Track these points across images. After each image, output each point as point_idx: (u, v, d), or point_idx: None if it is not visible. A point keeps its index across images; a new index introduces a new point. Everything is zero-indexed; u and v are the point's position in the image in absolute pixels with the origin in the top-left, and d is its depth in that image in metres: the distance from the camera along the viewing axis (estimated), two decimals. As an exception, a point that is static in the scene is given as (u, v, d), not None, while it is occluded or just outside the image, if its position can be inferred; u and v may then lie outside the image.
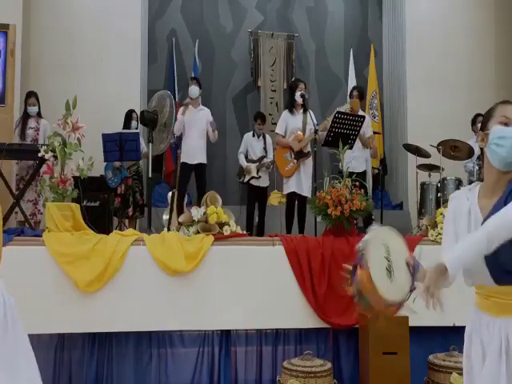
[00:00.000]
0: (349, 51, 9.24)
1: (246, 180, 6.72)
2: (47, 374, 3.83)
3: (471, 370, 1.99)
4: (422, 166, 6.60)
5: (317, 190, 4.76)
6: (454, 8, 8.51)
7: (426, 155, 6.54)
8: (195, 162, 6.20)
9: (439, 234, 4.27)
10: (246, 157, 6.83)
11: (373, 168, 6.65)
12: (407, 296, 1.88)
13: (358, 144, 5.81)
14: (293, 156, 5.84)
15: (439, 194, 6.20)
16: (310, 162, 5.84)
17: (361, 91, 6.42)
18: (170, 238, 4.09)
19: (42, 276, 3.84)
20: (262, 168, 6.71)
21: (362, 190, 4.37)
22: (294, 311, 4.09)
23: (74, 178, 4.37)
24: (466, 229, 1.99)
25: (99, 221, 5.21)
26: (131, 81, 7.70)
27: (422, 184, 6.47)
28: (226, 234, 4.13)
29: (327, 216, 4.26)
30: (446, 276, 1.84)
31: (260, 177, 6.67)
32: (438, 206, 5.95)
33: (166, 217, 6.43)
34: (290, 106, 6.01)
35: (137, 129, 6.81)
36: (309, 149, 5.86)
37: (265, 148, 6.84)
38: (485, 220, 1.87)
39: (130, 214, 6.61)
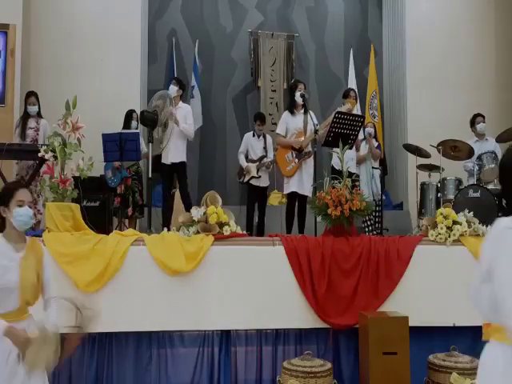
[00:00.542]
0: (349, 51, 9.24)
1: (246, 180, 6.71)
2: (47, 373, 3.83)
3: None
4: (421, 166, 6.60)
5: (317, 190, 4.76)
6: (453, 8, 8.51)
7: (426, 155, 6.54)
8: (170, 161, 6.07)
9: (439, 234, 4.28)
10: (247, 157, 6.82)
11: (373, 168, 6.64)
12: None
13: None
14: (294, 156, 5.84)
15: (439, 194, 6.20)
16: (311, 161, 5.84)
17: (356, 94, 6.52)
18: (169, 238, 4.09)
19: (42, 276, 3.83)
20: (262, 168, 6.71)
21: (362, 191, 4.37)
22: (293, 311, 4.09)
23: (74, 178, 4.37)
24: None
25: (99, 221, 5.21)
26: (131, 81, 7.70)
27: (422, 184, 6.46)
28: (225, 234, 4.13)
29: (327, 216, 4.26)
30: None
31: (260, 176, 6.67)
32: (437, 206, 5.95)
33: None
34: (291, 106, 6.01)
35: (137, 129, 6.80)
36: (310, 148, 5.86)
37: (265, 148, 6.84)
38: None
39: (130, 213, 6.61)
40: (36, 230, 4.80)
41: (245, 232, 4.44)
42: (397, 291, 4.16)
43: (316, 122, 5.75)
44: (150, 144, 5.54)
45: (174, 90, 6.14)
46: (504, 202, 1.94)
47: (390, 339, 3.74)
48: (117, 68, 7.59)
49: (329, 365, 3.81)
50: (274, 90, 9.22)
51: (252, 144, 6.86)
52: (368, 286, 4.14)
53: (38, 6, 7.52)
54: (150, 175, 5.54)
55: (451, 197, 6.01)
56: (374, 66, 9.01)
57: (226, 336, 4.11)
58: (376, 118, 8.64)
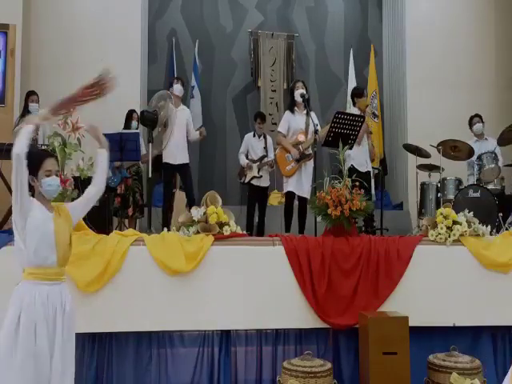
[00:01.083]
0: (349, 51, 9.24)
1: (247, 180, 6.71)
2: (47, 374, 3.83)
3: None
4: (421, 166, 6.60)
5: (317, 190, 4.76)
6: (454, 8, 8.51)
7: (426, 155, 6.54)
8: (177, 162, 6.12)
9: (439, 234, 4.27)
10: (247, 157, 6.82)
11: (373, 168, 6.64)
12: None
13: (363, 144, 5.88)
14: (293, 157, 5.83)
15: (439, 194, 6.20)
16: (311, 163, 5.84)
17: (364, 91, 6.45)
18: (169, 238, 4.09)
19: (42, 276, 3.83)
20: (263, 167, 6.71)
21: (362, 190, 4.36)
22: (293, 311, 4.08)
23: (74, 178, 4.37)
24: None
25: (99, 221, 5.20)
26: (131, 81, 7.69)
27: (422, 184, 6.47)
28: (226, 234, 4.13)
29: (327, 216, 4.25)
30: None
31: (261, 176, 6.67)
32: (437, 206, 5.95)
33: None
34: (291, 105, 6.01)
35: (137, 129, 6.80)
36: (310, 150, 5.85)
37: (265, 148, 6.84)
38: None
39: (130, 214, 6.61)
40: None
41: (245, 232, 4.44)
42: (397, 291, 4.15)
43: (317, 122, 5.75)
44: (150, 144, 5.54)
45: (179, 89, 6.19)
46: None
47: (390, 339, 3.73)
48: (117, 68, 7.56)
49: (329, 365, 3.81)
50: (274, 90, 9.22)
51: (252, 144, 6.86)
52: (368, 286, 4.14)
53: (38, 6, 7.52)
54: (149, 175, 5.55)
55: (451, 197, 6.02)
56: (374, 66, 9.01)
57: (225, 336, 4.10)
58: (376, 118, 8.64)
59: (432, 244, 4.28)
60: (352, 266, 4.16)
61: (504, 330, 4.26)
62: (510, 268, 4.17)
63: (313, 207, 4.43)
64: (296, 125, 5.90)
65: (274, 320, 4.08)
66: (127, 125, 6.84)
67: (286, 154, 5.89)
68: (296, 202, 6.03)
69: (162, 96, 5.84)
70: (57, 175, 2.99)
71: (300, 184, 5.83)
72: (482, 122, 6.84)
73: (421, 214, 6.39)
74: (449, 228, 4.28)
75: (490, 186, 6.04)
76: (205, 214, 4.17)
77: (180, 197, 6.53)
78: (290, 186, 5.86)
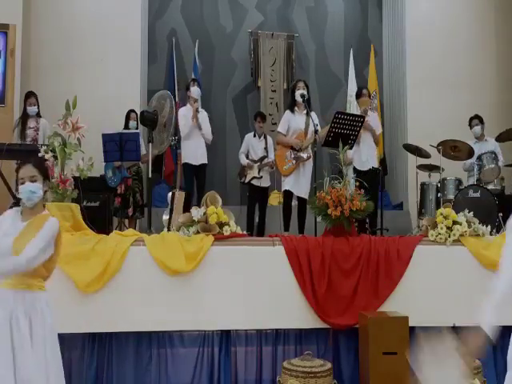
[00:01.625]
0: (349, 51, 9.24)
1: (247, 180, 6.71)
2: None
3: None
4: (421, 166, 6.61)
5: (317, 190, 4.76)
6: (454, 8, 8.51)
7: (426, 155, 6.54)
8: (199, 162, 6.32)
9: (439, 234, 4.27)
10: (247, 157, 6.82)
11: (370, 169, 6.64)
12: None
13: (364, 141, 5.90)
14: (292, 156, 5.83)
15: (439, 194, 6.20)
16: (310, 164, 5.84)
17: (368, 91, 6.47)
18: (169, 238, 4.09)
19: (42, 276, 3.83)
20: (264, 168, 6.71)
21: (362, 190, 4.37)
22: (293, 311, 4.09)
23: (74, 178, 4.37)
24: None
25: (99, 221, 5.20)
26: (131, 81, 7.70)
27: (422, 184, 6.47)
28: (226, 234, 4.13)
29: (327, 216, 4.26)
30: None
31: (261, 177, 6.67)
32: (437, 206, 5.95)
33: (165, 217, 6.41)
34: (291, 105, 6.01)
35: (137, 129, 6.81)
36: (309, 152, 5.85)
37: (266, 148, 6.84)
38: None
39: (130, 214, 6.61)
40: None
41: (245, 232, 4.44)
42: (397, 291, 4.15)
43: (317, 122, 5.75)
44: (150, 144, 5.54)
45: (197, 91, 6.40)
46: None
47: (390, 339, 3.73)
48: (117, 68, 7.59)
49: (329, 365, 3.81)
50: (274, 90, 9.22)
51: (253, 144, 6.86)
52: (368, 286, 4.14)
53: (38, 6, 7.52)
54: (149, 175, 5.55)
55: (451, 197, 6.02)
56: (374, 66, 9.02)
57: (225, 336, 4.10)
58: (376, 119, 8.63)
59: (432, 244, 4.28)
60: (352, 266, 4.16)
61: (504, 330, 4.25)
62: (509, 268, 4.16)
63: (313, 207, 4.44)
64: (296, 125, 5.90)
65: (274, 320, 4.09)
66: (126, 125, 6.85)
67: (286, 153, 5.89)
68: (295, 202, 6.03)
69: (162, 96, 5.84)
70: (34, 181, 2.88)
71: (298, 184, 5.82)
72: (482, 123, 6.84)
73: (421, 214, 6.40)
74: (449, 228, 4.28)
75: (490, 186, 6.05)
76: (205, 214, 4.17)
77: (179, 197, 6.52)
78: (287, 184, 5.86)
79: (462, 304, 4.09)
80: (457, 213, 4.38)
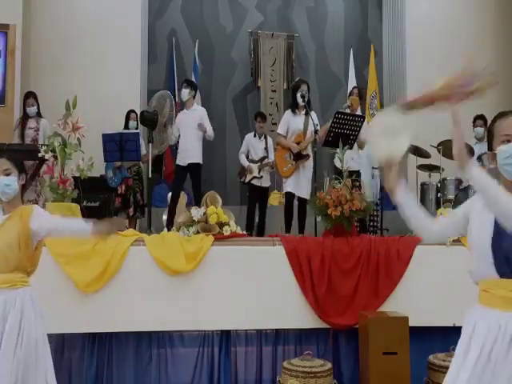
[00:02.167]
0: (349, 51, 9.24)
1: (247, 180, 6.71)
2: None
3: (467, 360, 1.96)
4: (422, 167, 6.60)
5: (317, 190, 4.76)
6: (454, 8, 8.51)
7: (426, 155, 6.54)
8: (188, 162, 6.05)
9: (439, 234, 4.27)
10: (247, 157, 6.82)
11: (373, 168, 6.64)
12: None
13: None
14: (292, 157, 5.83)
15: (439, 195, 6.20)
16: (310, 163, 5.83)
17: (360, 91, 6.52)
18: (170, 238, 4.09)
19: (42, 276, 3.83)
20: (264, 168, 6.70)
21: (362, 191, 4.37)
22: (294, 311, 4.09)
23: (74, 178, 4.37)
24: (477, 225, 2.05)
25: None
26: (131, 81, 7.69)
27: (422, 184, 6.46)
28: (226, 234, 4.13)
29: (327, 216, 4.26)
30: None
31: (262, 177, 6.67)
32: (438, 206, 5.95)
33: (165, 217, 6.43)
34: (292, 106, 6.01)
35: (137, 129, 6.81)
36: (309, 151, 5.85)
37: (266, 148, 6.83)
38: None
39: (131, 214, 6.61)
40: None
41: (245, 232, 4.44)
42: (397, 291, 4.16)
43: (317, 122, 5.75)
44: (150, 144, 5.54)
45: (185, 93, 6.12)
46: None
47: (390, 339, 3.73)
48: (117, 68, 7.59)
49: (329, 365, 3.81)
50: (274, 90, 9.22)
51: (253, 144, 6.85)
52: (368, 286, 4.14)
53: (38, 6, 7.51)
54: (149, 175, 5.54)
55: (451, 197, 6.01)
56: (374, 66, 9.01)
57: (226, 336, 4.11)
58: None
59: (432, 244, 4.27)
60: (352, 266, 4.16)
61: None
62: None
63: (313, 207, 4.44)
64: (295, 125, 5.90)
65: (274, 320, 4.09)
66: (126, 125, 6.85)
67: (285, 154, 5.89)
68: (296, 203, 6.03)
69: (162, 96, 5.84)
70: (8, 174, 2.77)
71: (298, 185, 5.82)
72: (486, 125, 6.83)
73: (421, 214, 6.38)
74: (449, 228, 4.27)
75: (490, 186, 6.03)
76: (205, 214, 4.17)
77: (180, 197, 6.52)
78: (288, 186, 5.86)
79: (462, 304, 4.08)
80: (457, 213, 4.37)
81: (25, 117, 6.28)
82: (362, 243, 4.23)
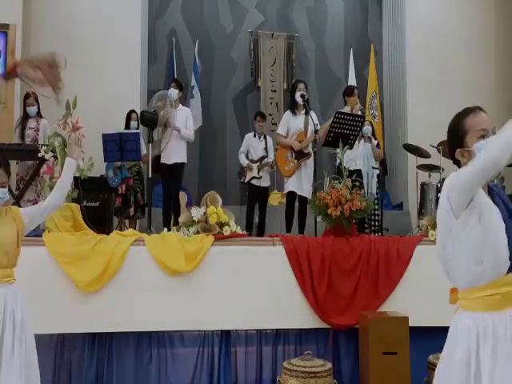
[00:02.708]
0: (349, 51, 9.24)
1: (246, 180, 6.70)
2: (47, 373, 3.84)
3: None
4: (422, 167, 6.61)
5: (317, 190, 4.76)
6: (454, 8, 8.51)
7: (426, 155, 6.54)
8: (171, 161, 6.03)
9: (439, 234, 4.27)
10: (247, 157, 6.82)
11: (373, 168, 6.64)
12: None
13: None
14: (293, 156, 5.84)
15: (439, 195, 6.18)
16: (311, 162, 5.83)
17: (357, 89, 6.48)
18: (170, 238, 4.09)
19: (43, 276, 3.84)
20: (264, 168, 6.70)
21: (362, 191, 4.37)
22: (294, 311, 4.09)
23: (74, 178, 4.36)
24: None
25: (99, 221, 5.20)
26: (131, 81, 7.69)
27: (422, 184, 6.47)
28: (226, 234, 4.13)
29: (327, 216, 4.26)
30: None
31: (261, 177, 6.66)
32: (437, 206, 5.93)
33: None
34: (292, 106, 6.01)
35: (137, 129, 6.80)
36: (310, 150, 5.86)
37: (266, 148, 6.83)
38: None
39: (132, 214, 6.61)
40: (36, 230, 4.80)
41: (245, 232, 4.44)
42: (397, 291, 4.16)
43: (316, 122, 5.75)
44: (150, 144, 5.54)
45: (175, 93, 6.10)
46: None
47: (390, 339, 3.73)
48: (117, 68, 7.59)
49: (329, 365, 3.81)
50: (274, 90, 9.22)
51: (253, 144, 6.85)
52: (368, 286, 4.14)
53: (38, 6, 7.52)
54: (149, 175, 5.54)
55: (451, 197, 6.00)
56: (374, 65, 9.01)
57: (226, 336, 4.11)
58: (376, 118, 8.64)
59: (432, 244, 4.28)
60: (352, 266, 4.16)
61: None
62: (509, 268, 4.16)
63: (313, 207, 4.44)
64: (295, 125, 5.90)
65: (274, 320, 4.09)
66: (127, 125, 6.85)
67: (286, 154, 5.89)
68: (296, 203, 6.03)
69: (162, 96, 5.84)
70: (3, 186, 2.93)
71: (300, 183, 5.82)
72: None
73: (421, 214, 6.39)
74: (449, 228, 4.27)
75: (490, 186, 6.03)
76: (205, 214, 4.17)
77: (180, 197, 6.52)
78: (290, 185, 5.86)
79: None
80: (457, 213, 4.37)
81: (25, 117, 6.28)
82: (362, 243, 4.23)
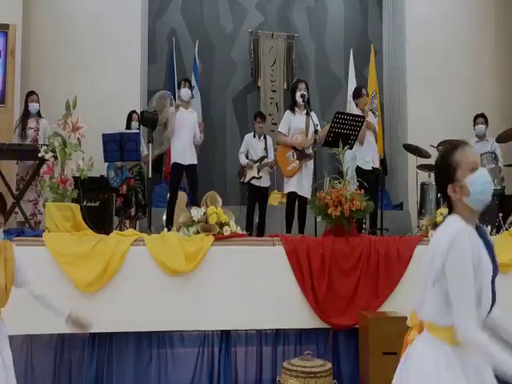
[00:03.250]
0: (349, 51, 9.24)
1: (246, 180, 6.70)
2: (47, 374, 3.84)
3: None
4: (422, 167, 6.60)
5: (317, 190, 4.76)
6: (454, 8, 8.51)
7: (426, 155, 6.54)
8: (187, 162, 6.09)
9: (439, 234, 4.26)
10: (247, 157, 6.82)
11: (373, 168, 6.64)
12: None
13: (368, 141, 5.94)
14: (295, 156, 5.83)
15: (439, 194, 6.20)
16: (311, 163, 5.83)
17: (367, 91, 6.48)
18: (170, 238, 4.09)
19: (43, 276, 3.82)
20: (263, 168, 6.70)
21: (362, 191, 4.37)
22: (294, 311, 4.09)
23: (74, 178, 4.37)
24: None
25: (99, 221, 5.21)
26: (131, 81, 7.70)
27: (422, 184, 6.46)
28: (226, 234, 4.13)
29: (327, 216, 4.26)
30: None
31: (261, 177, 6.66)
32: (438, 206, 5.94)
33: (165, 217, 6.43)
34: (292, 106, 6.01)
35: (138, 129, 6.81)
36: (310, 150, 5.86)
37: (265, 148, 6.83)
38: None
39: (133, 214, 6.61)
40: (36, 230, 4.81)
41: (245, 232, 4.44)
42: (397, 291, 4.16)
43: (317, 122, 5.75)
44: (150, 144, 5.54)
45: (188, 93, 6.18)
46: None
47: (390, 339, 3.73)
48: (117, 68, 7.59)
49: (329, 365, 3.81)
50: (274, 90, 9.22)
51: (253, 144, 6.85)
52: (368, 286, 4.14)
53: (38, 6, 7.52)
54: (150, 175, 5.54)
55: (451, 197, 6.00)
56: (374, 66, 9.01)
57: (226, 336, 4.11)
58: (376, 118, 8.64)
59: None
60: (352, 266, 4.16)
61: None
62: (510, 268, 4.16)
63: (313, 207, 4.44)
64: (296, 125, 5.90)
65: (274, 320, 4.09)
66: (128, 125, 6.85)
67: (287, 154, 5.88)
68: (296, 203, 6.03)
69: (162, 96, 5.84)
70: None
71: (300, 184, 5.82)
72: (486, 123, 6.83)
73: (421, 214, 6.39)
74: (449, 228, 4.27)
75: (490, 186, 6.03)
76: (205, 214, 4.17)
77: (180, 197, 6.52)
78: (291, 186, 5.85)
79: (461, 304, 4.09)
80: (457, 213, 4.37)
81: (25, 116, 6.28)
82: (362, 243, 4.23)
